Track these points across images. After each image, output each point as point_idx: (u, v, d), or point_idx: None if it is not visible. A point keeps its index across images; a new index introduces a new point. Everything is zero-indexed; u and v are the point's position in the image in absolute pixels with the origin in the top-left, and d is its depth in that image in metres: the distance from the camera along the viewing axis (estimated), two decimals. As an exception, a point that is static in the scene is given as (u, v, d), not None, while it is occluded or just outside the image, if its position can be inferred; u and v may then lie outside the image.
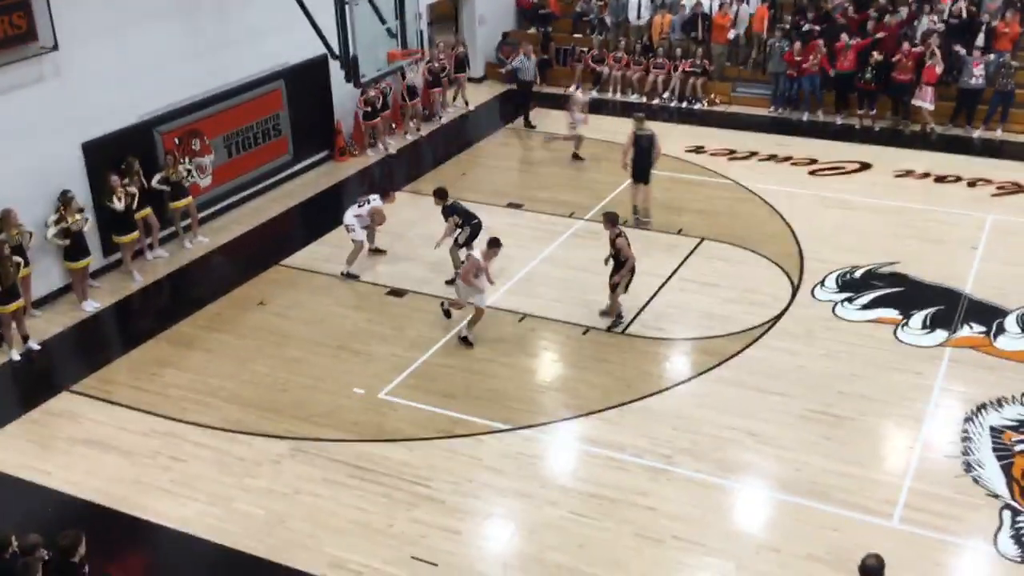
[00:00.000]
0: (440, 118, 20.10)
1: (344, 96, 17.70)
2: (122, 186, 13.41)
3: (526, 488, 9.57)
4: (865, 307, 12.61)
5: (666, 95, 20.95)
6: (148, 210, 14.07)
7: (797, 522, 9.03)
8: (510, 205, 16.06)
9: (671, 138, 18.67)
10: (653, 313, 12.68)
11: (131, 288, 13.66)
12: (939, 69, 18.30)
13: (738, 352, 11.71)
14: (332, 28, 12.76)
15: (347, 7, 12.31)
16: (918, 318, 12.27)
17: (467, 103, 20.70)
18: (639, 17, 22.24)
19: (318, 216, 16.01)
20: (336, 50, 12.91)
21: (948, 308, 12.47)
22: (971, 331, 11.97)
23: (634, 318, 12.54)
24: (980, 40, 19.15)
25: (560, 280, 13.62)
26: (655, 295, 13.08)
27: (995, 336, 11.84)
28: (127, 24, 13.77)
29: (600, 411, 10.70)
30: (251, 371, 11.63)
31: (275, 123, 16.66)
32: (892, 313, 12.42)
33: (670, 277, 13.54)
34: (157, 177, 14.23)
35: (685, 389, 11.11)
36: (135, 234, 13.83)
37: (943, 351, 11.60)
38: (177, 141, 14.72)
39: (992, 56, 18.41)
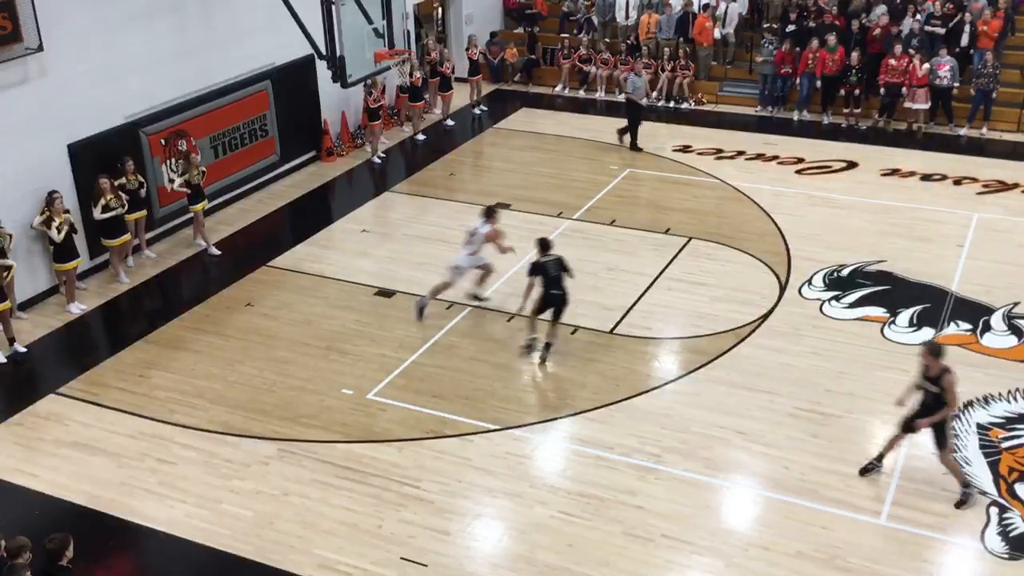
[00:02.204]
0: (425, 119, 20.10)
1: (331, 96, 17.68)
2: (113, 189, 13.35)
3: (515, 488, 9.58)
4: (852, 305, 12.66)
5: (653, 95, 20.98)
6: (143, 212, 14.03)
7: (786, 520, 9.06)
8: (498, 205, 16.02)
9: (659, 138, 18.76)
10: (641, 312, 12.70)
11: (118, 290, 13.61)
12: (922, 70, 18.41)
13: (726, 351, 11.74)
14: (319, 28, 12.74)
15: (333, 7, 12.30)
16: (905, 316, 12.33)
17: (448, 118, 20.43)
18: (627, 17, 22.28)
19: (306, 217, 15.98)
20: (323, 50, 12.90)
21: (934, 306, 12.53)
22: (957, 329, 12.02)
23: (622, 317, 12.55)
24: (964, 40, 19.30)
25: (548, 280, 13.62)
26: (643, 294, 13.10)
27: (981, 334, 11.90)
28: (112, 25, 13.72)
29: (589, 411, 10.71)
30: (239, 372, 11.59)
31: (262, 124, 16.62)
32: (879, 311, 12.48)
33: (658, 276, 13.57)
34: (178, 181, 14.23)
35: (674, 388, 11.13)
36: (125, 237, 13.78)
37: (930, 349, 11.65)
38: (163, 142, 14.67)
39: (947, 58, 18.50)
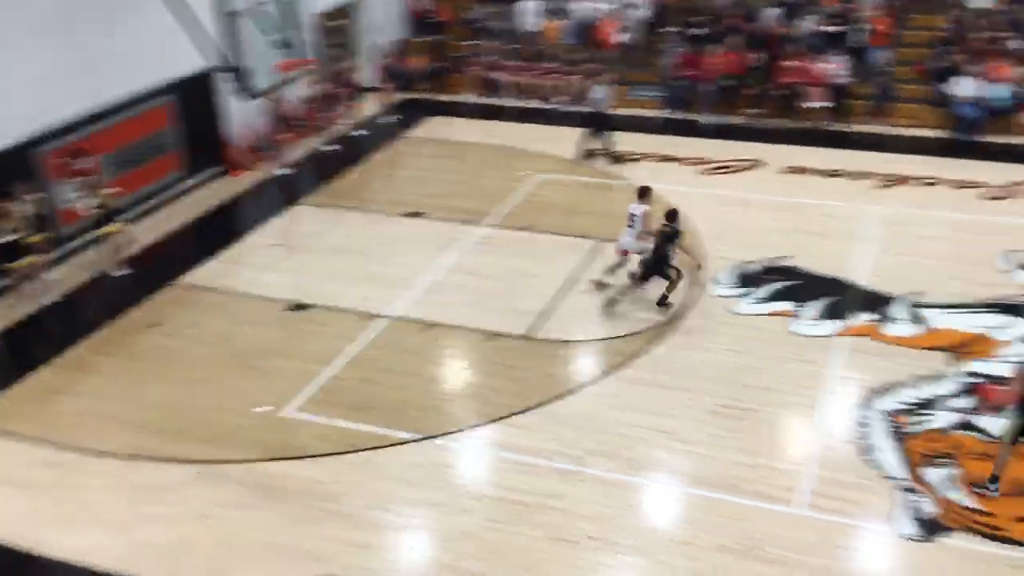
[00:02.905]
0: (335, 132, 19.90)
1: (237, 109, 17.36)
2: (14, 212, 12.88)
3: (438, 497, 9.52)
4: (762, 301, 12.94)
5: (562, 99, 21.15)
6: (43, 235, 13.56)
7: (707, 514, 9.20)
8: (411, 214, 15.98)
9: (569, 143, 18.89)
10: (558, 316, 12.76)
11: (20, 314, 13.12)
12: (820, 69, 19.00)
13: (643, 351, 11.88)
14: (221, 40, 12.52)
15: (235, 18, 12.10)
16: (812, 309, 12.65)
17: (357, 128, 20.24)
18: (530, 25, 22.44)
19: (213, 233, 15.65)
20: (225, 62, 12.68)
21: (840, 298, 12.88)
22: (862, 320, 12.39)
23: (539, 322, 12.60)
24: (858, 38, 19.94)
25: (464, 287, 13.60)
26: (559, 298, 13.18)
27: (884, 323, 12.28)
28: (8, 43, 13.23)
29: (509, 416, 10.72)
30: (150, 395, 11.28)
31: (164, 139, 16.23)
32: (788, 306, 12.78)
33: (573, 280, 13.66)
34: (85, 203, 13.76)
35: (593, 390, 11.21)
36: (29, 259, 13.28)
37: (836, 340, 11.98)
38: (61, 162, 14.20)
39: (841, 57, 19.16)
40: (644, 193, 13.01)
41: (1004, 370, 11.07)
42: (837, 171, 17.19)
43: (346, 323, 12.57)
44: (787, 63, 19.36)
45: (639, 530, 9.07)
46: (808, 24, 20.35)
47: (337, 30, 21.63)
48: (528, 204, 16.32)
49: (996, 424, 10.11)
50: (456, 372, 11.86)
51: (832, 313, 12.54)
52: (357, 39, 22.39)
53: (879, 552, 8.82)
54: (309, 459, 10.09)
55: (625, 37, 21.63)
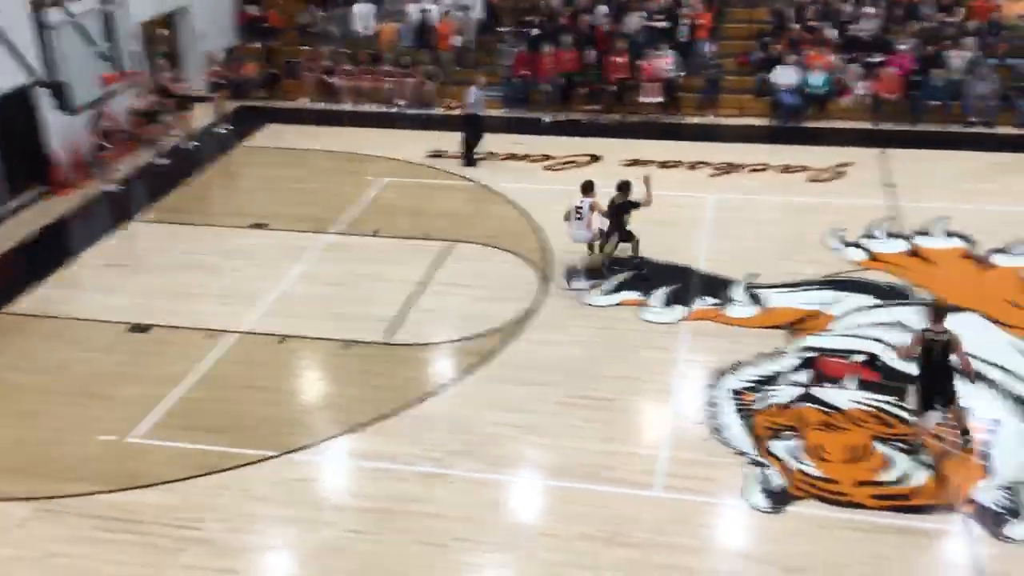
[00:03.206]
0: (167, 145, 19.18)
1: (59, 125, 16.49)
2: None
3: (301, 513, 9.32)
4: (611, 292, 13.24)
5: (401, 103, 21.06)
6: None
7: (570, 505, 9.34)
8: (254, 225, 15.58)
9: (410, 145, 18.83)
10: (412, 320, 12.70)
11: None
12: (651, 65, 19.64)
13: (499, 349, 11.96)
14: (39, 54, 11.86)
15: (49, 31, 11.48)
16: (658, 297, 13.03)
17: (189, 140, 19.56)
18: (365, 28, 22.25)
19: (42, 256, 14.81)
20: (44, 77, 12.03)
21: (683, 285, 13.33)
22: (705, 304, 12.85)
23: (395, 327, 12.51)
24: (684, 33, 20.71)
25: (315, 297, 13.36)
26: (412, 301, 13.12)
27: (726, 306, 12.78)
28: None
29: (369, 423, 10.59)
30: (-19, 432, 10.59)
31: (-19, 159, 15.28)
32: (635, 295, 13.12)
33: (425, 282, 13.63)
34: None
35: (452, 391, 11.22)
36: None
37: (683, 325, 12.39)
38: None
39: (669, 51, 19.91)
40: (588, 188, 13.55)
41: (838, 343, 11.72)
42: (672, 162, 17.76)
43: (193, 342, 12.15)
44: (616, 59, 19.91)
45: (505, 527, 9.13)
46: (635, 20, 20.97)
47: (163, 39, 20.86)
48: (375, 209, 16.18)
49: (834, 395, 10.69)
50: (312, 383, 11.63)
51: (677, 299, 12.96)
52: (184, 48, 21.65)
53: (735, 526, 9.18)
54: (161, 486, 9.68)
55: (461, 38, 21.73)
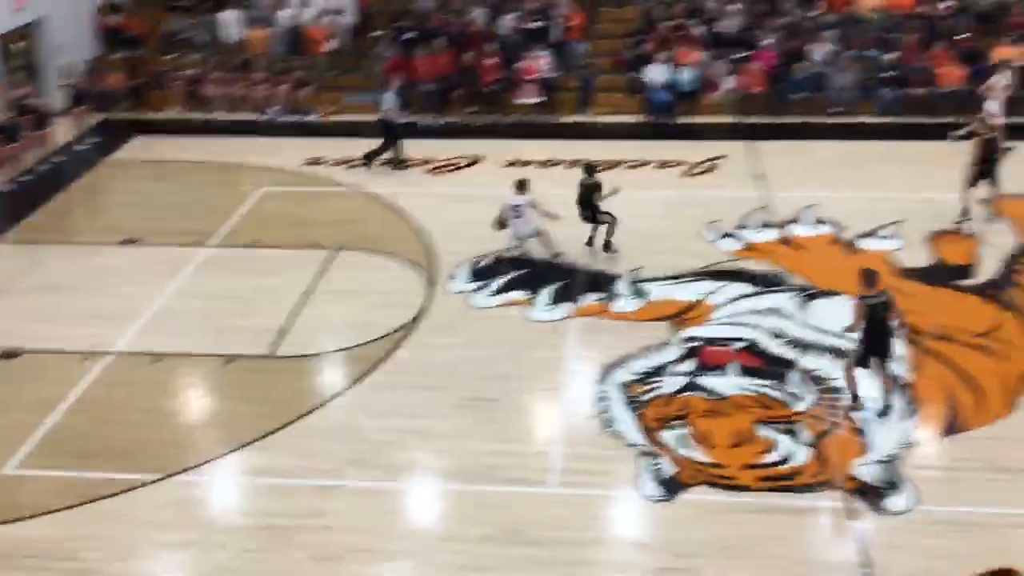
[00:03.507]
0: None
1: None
2: None
3: (191, 536, 9.03)
4: (497, 292, 13.29)
5: (276, 109, 20.67)
6: None
7: (468, 507, 9.33)
8: (125, 242, 15.03)
9: (287, 153, 18.49)
10: (298, 330, 12.48)
11: None
12: (527, 65, 19.83)
13: (388, 355, 11.85)
14: None
15: None
16: (545, 295, 13.14)
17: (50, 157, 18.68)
18: (234, 34, 21.75)
19: None
20: None
21: (569, 282, 13.47)
22: (591, 300, 13.02)
23: (280, 338, 12.26)
24: (557, 33, 20.98)
25: (195, 312, 12.99)
26: (297, 312, 12.89)
27: (611, 301, 12.98)
28: None
29: (258, 439, 10.34)
30: None
31: None
32: (522, 294, 13.20)
33: (309, 292, 13.41)
34: None
35: (342, 401, 11.06)
36: None
37: (570, 322, 12.53)
38: None
39: (544, 52, 20.18)
40: (522, 185, 13.86)
41: (719, 332, 12.05)
42: (551, 161, 17.93)
43: (67, 365, 11.65)
44: (489, 61, 20.01)
45: (403, 534, 9.06)
46: (508, 22, 21.13)
47: (19, 53, 19.94)
48: (253, 219, 15.84)
49: (717, 382, 10.97)
50: (195, 402, 11.30)
51: (563, 297, 13.09)
52: (42, 61, 20.73)
53: (630, 516, 9.33)
54: (43, 517, 9.24)
55: (334, 43, 21.47)
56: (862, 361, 10.42)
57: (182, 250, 14.69)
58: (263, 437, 10.38)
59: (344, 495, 9.52)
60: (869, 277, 10.22)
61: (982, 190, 14.78)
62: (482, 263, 14.07)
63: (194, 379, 11.63)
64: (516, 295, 13.20)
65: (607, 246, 14.18)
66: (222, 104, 20.95)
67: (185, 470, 9.90)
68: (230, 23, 21.78)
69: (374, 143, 18.16)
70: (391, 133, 17.91)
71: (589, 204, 14.09)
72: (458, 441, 10.28)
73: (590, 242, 14.29)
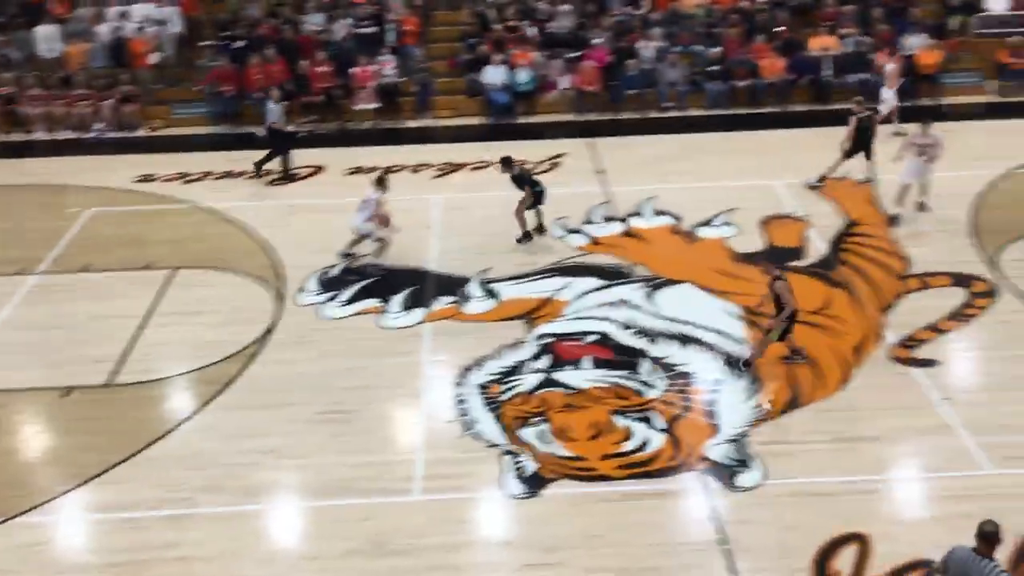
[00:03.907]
0: None
1: None
2: None
3: (36, 582, 8.51)
4: (348, 302, 13.09)
5: (101, 126, 19.75)
6: None
7: (331, 523, 9.14)
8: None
9: (115, 171, 17.70)
10: (138, 356, 11.95)
11: None
12: (365, 71, 19.65)
13: (238, 374, 11.50)
14: None
15: None
16: (397, 302, 13.03)
17: None
18: (50, 50, 20.65)
19: None
20: None
21: (420, 287, 13.41)
22: (443, 304, 13.00)
23: (119, 366, 11.70)
24: (392, 38, 20.87)
25: (24, 345, 12.26)
26: (137, 337, 12.34)
27: (463, 304, 12.99)
28: None
29: (103, 473, 9.83)
30: None
31: None
32: (373, 302, 13.05)
33: (149, 315, 12.86)
34: None
35: (191, 426, 10.65)
36: None
37: (424, 327, 12.47)
38: None
39: (386, 56, 20.10)
40: (380, 182, 14.09)
41: (571, 327, 12.24)
42: (395, 167, 17.80)
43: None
44: (320, 69, 19.72)
45: (265, 558, 8.79)
46: (342, 28, 20.88)
47: None
48: (83, 243, 15.08)
49: (573, 376, 11.14)
50: (31, 439, 10.67)
51: (415, 302, 13.02)
52: None
53: (495, 517, 9.35)
54: None
55: (159, 55, 20.68)
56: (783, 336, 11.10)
57: (7, 280, 13.83)
58: (108, 470, 9.88)
59: (200, 523, 9.17)
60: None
61: (857, 165, 15.74)
62: (330, 273, 13.83)
63: (30, 415, 10.98)
64: (368, 303, 13.04)
65: (540, 228, 14.67)
66: (42, 122, 19.87)
67: (26, 511, 9.32)
68: (46, 38, 20.67)
69: (206, 156, 17.62)
70: (281, 142, 17.51)
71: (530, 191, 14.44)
72: (316, 456, 10.06)
73: (540, 229, 14.64)
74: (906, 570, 8.31)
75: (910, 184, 14.74)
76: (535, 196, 14.42)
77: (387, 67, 20.00)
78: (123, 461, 10.02)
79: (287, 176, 17.47)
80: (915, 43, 20.42)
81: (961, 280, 12.92)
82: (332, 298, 13.20)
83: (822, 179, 15.91)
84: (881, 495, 9.34)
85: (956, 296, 12.60)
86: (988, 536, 6.80)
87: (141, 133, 19.88)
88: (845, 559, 8.46)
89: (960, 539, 8.33)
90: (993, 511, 8.86)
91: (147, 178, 17.51)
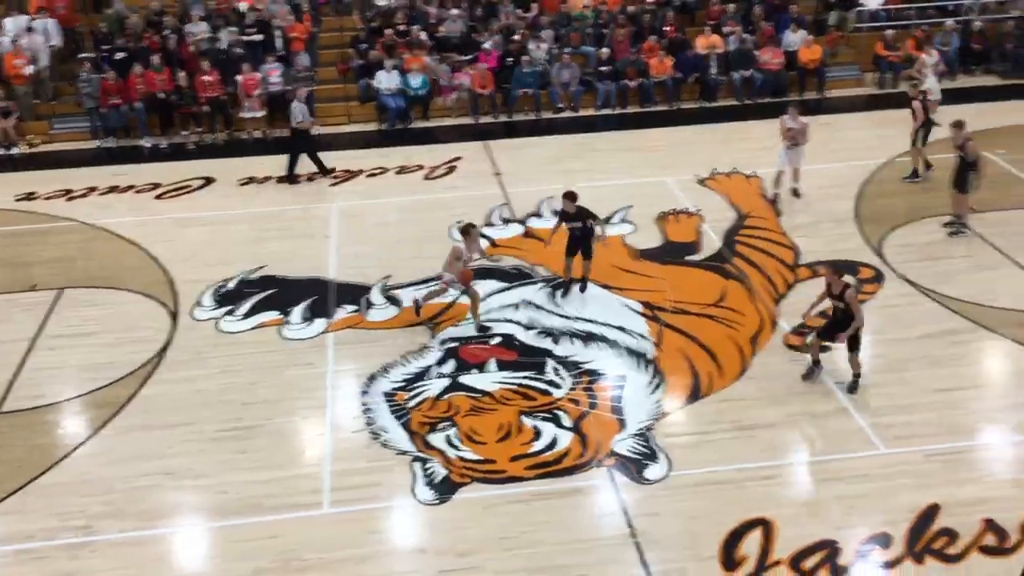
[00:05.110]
0: None
1: None
2: None
3: (-76, 625, 8.10)
4: (246, 316, 12.82)
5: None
6: None
7: (237, 543, 8.93)
8: None
9: (-5, 189, 16.99)
10: (27, 382, 11.48)
11: None
12: (252, 79, 19.28)
13: (133, 395, 11.14)
14: None
15: None
16: (297, 313, 12.82)
17: None
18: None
19: None
20: None
21: (321, 297, 13.22)
22: (345, 312, 12.85)
23: (6, 393, 11.22)
24: (279, 45, 20.53)
25: (-100, 376, 11.66)
26: (23, 362, 11.84)
27: (366, 311, 12.86)
28: None
29: (-7, 506, 9.43)
30: None
31: None
32: (273, 315, 12.81)
33: (36, 338, 12.36)
34: None
35: (85, 451, 10.27)
36: None
37: (327, 337, 12.29)
38: None
39: (274, 64, 19.77)
40: (467, 232, 12.17)
41: (474, 331, 12.23)
42: (292, 177, 17.51)
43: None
44: (205, 78, 19.28)
45: (170, 582, 8.56)
46: (227, 36, 20.44)
47: None
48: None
49: (479, 379, 11.14)
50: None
51: (317, 313, 12.83)
52: None
53: (407, 524, 9.28)
54: None
55: (34, 68, 19.87)
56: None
57: None
58: (0, 501, 9.46)
59: (100, 551, 8.86)
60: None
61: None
62: (226, 287, 13.52)
63: (-92, 450, 10.43)
64: (267, 316, 12.79)
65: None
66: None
67: (-92, 552, 8.86)
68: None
69: (92, 171, 17.03)
70: (309, 142, 17.46)
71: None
72: (220, 475, 9.82)
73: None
74: (810, 551, 8.56)
75: (784, 171, 15.28)
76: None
77: (273, 75, 19.63)
78: (15, 491, 9.61)
79: (325, 171, 17.39)
80: (796, 39, 21.10)
81: (849, 268, 13.39)
82: (229, 312, 12.91)
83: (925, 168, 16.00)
84: (782, 480, 9.60)
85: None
86: None
87: (19, 150, 19.10)
88: (751, 544, 8.68)
89: (857, 519, 8.66)
90: (887, 489, 9.28)
91: (29, 196, 16.84)
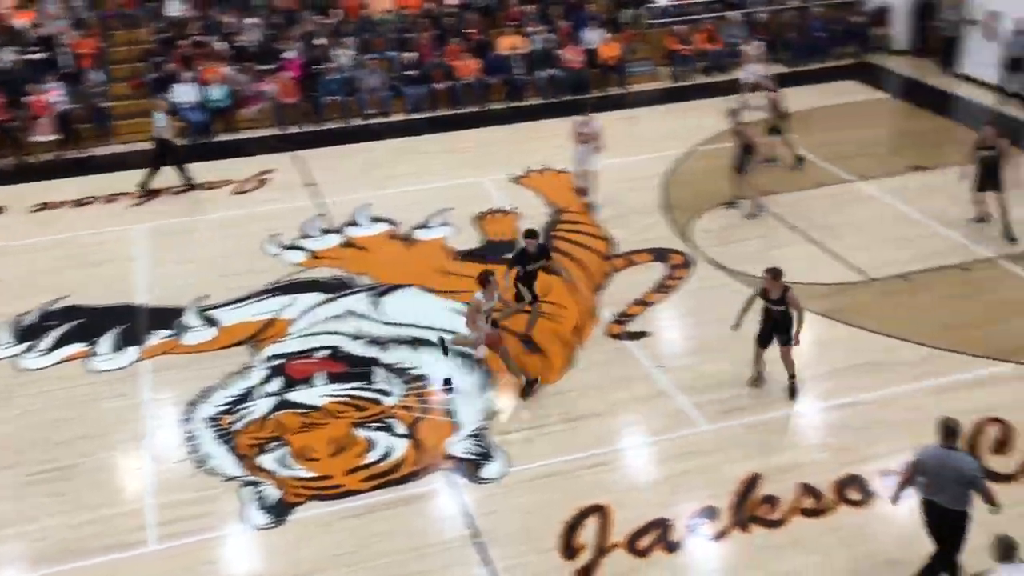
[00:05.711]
0: None
1: None
2: None
3: None
4: (50, 350, 12.06)
5: None
6: None
7: (59, 593, 8.41)
8: None
9: None
10: None
11: None
12: (40, 99, 18.16)
13: (-74, 447, 10.27)
14: None
15: None
16: (106, 343, 12.17)
17: None
18: None
19: None
20: None
21: (131, 323, 12.59)
22: (159, 338, 12.28)
23: None
24: (68, 63, 19.42)
25: None
26: None
27: (182, 335, 12.34)
28: None
29: None
30: None
31: None
32: (79, 347, 12.10)
33: None
34: None
35: None
36: None
37: (140, 366, 11.72)
38: None
39: (54, 84, 18.80)
40: (485, 282, 10.72)
41: (300, 345, 11.96)
42: (86, 199, 16.60)
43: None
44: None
45: (-14, 644, 7.95)
46: (9, 55, 19.17)
47: None
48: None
49: (307, 395, 10.91)
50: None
51: (128, 341, 12.21)
52: None
53: (241, 552, 8.97)
54: None
55: None
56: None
57: None
58: None
59: (-99, 620, 8.13)
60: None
61: None
62: (25, 321, 12.68)
63: None
64: (73, 348, 12.08)
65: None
66: None
67: None
68: None
69: None
70: (170, 154, 16.77)
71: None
72: (34, 522, 9.20)
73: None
74: (644, 531, 8.85)
75: (582, 171, 15.69)
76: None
77: (54, 94, 18.51)
78: None
79: (190, 185, 16.78)
80: (595, 37, 21.75)
81: (660, 255, 13.93)
82: (30, 348, 12.11)
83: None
84: (612, 466, 9.88)
85: (658, 270, 13.56)
86: (952, 430, 7.57)
87: None
88: (588, 532, 8.89)
89: (685, 495, 9.03)
90: (711, 464, 9.71)
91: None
